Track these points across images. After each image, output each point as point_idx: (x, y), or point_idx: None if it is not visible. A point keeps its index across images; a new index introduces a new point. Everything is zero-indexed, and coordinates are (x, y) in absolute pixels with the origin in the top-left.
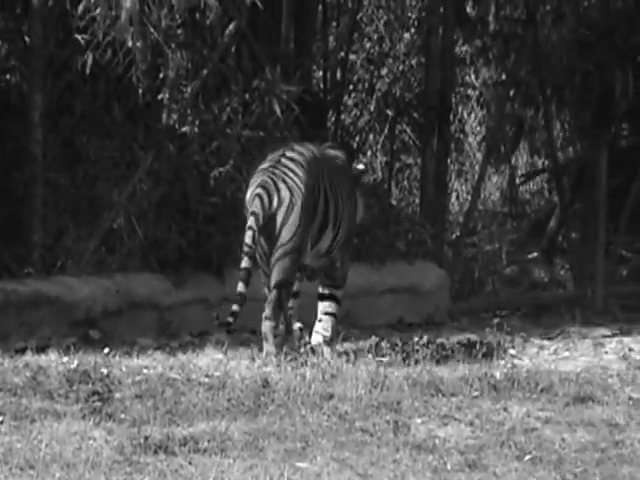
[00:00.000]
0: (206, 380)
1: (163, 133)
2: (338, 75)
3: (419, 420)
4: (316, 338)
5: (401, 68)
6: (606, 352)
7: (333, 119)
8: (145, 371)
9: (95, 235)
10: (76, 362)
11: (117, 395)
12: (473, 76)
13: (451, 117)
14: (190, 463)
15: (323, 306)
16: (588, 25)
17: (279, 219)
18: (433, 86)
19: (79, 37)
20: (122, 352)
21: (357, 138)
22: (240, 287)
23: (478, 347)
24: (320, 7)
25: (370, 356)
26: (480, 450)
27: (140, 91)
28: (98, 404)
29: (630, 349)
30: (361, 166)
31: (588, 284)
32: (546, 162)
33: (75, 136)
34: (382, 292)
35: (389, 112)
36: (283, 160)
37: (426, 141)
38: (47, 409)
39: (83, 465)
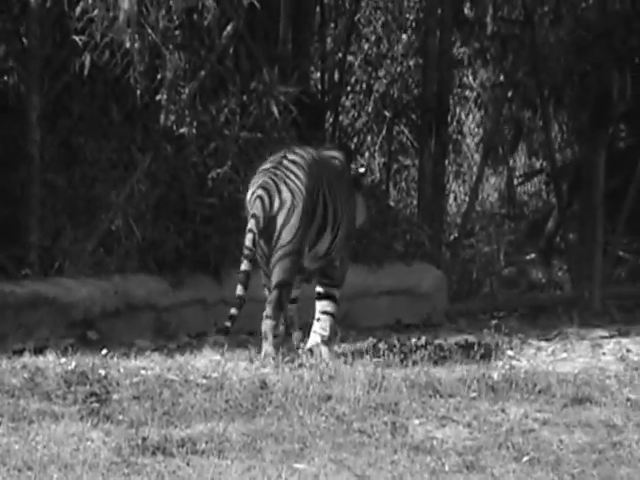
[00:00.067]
0: (204, 381)
1: (161, 134)
2: (336, 76)
3: (417, 421)
4: (314, 338)
5: (399, 69)
6: (604, 353)
7: (331, 120)
8: (143, 372)
9: (93, 236)
10: (74, 363)
11: (115, 396)
12: (471, 77)
13: (449, 118)
14: (188, 464)
15: (321, 305)
16: (586, 26)
17: (280, 220)
18: (431, 87)
19: (77, 38)
20: (120, 353)
21: (355, 139)
22: (239, 290)
23: (476, 348)
24: (318, 8)
25: (368, 357)
26: (478, 451)
27: (138, 92)
28: (96, 405)
29: (628, 350)
30: (362, 169)
31: (586, 285)
32: (544, 163)
33: (73, 137)
34: (380, 293)
35: (387, 113)
36: (285, 162)
37: (424, 142)
38: (45, 410)
39: (81, 466)
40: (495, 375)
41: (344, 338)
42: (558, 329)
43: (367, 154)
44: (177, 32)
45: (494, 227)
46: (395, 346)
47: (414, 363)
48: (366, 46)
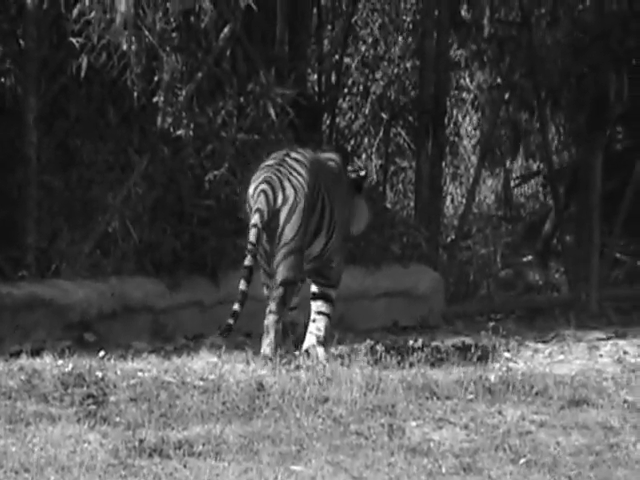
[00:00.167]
0: (201, 383)
1: (158, 136)
2: (333, 78)
3: (414, 423)
4: (310, 339)
5: (396, 71)
6: (601, 355)
7: (328, 122)
8: (140, 374)
9: (90, 238)
10: (71, 365)
11: (112, 398)
12: (468, 79)
13: (446, 120)
14: (185, 466)
15: (316, 305)
16: (583, 28)
17: (282, 217)
18: (428, 89)
19: (74, 40)
20: (117, 355)
21: (352, 141)
22: (242, 285)
23: (473, 350)
24: (315, 10)
25: (365, 359)
26: (475, 453)
27: (135, 94)
28: (93, 407)
29: (625, 352)
30: (362, 172)
31: (583, 287)
32: (541, 165)
33: (70, 139)
34: (377, 295)
35: (384, 115)
36: (287, 159)
37: (421, 144)
38: (42, 412)
39: (78, 468)
40: (492, 377)
41: (341, 340)
42: (555, 331)
43: (364, 156)
44: (174, 34)
45: (491, 229)
46: (392, 348)
47: (411, 365)
48: (363, 48)
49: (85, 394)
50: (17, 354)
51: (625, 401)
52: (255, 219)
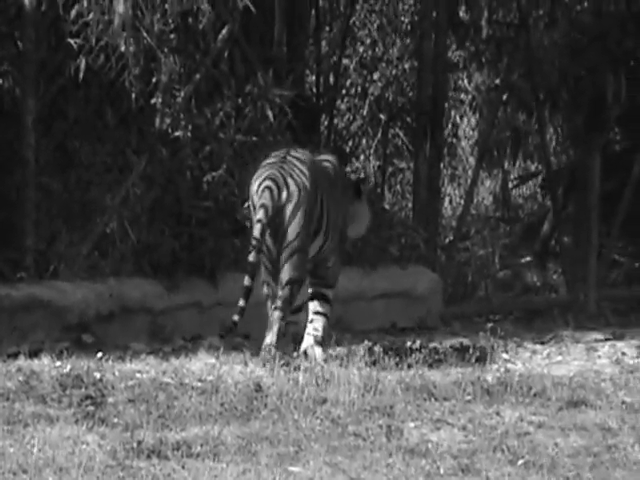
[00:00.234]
0: (199, 384)
1: (156, 137)
2: (331, 79)
3: (412, 424)
4: (308, 340)
5: (394, 73)
6: (599, 356)
7: (326, 123)
8: (138, 375)
9: (88, 239)
10: (69, 366)
11: (110, 399)
12: (466, 80)
13: (444, 122)
14: (183, 467)
15: (313, 305)
16: (580, 29)
17: (286, 215)
18: (426, 91)
19: (72, 42)
20: (115, 356)
21: (350, 142)
22: (246, 281)
23: (471, 351)
24: (313, 11)
25: (363, 361)
26: (473, 454)
27: (133, 96)
28: (91, 408)
29: (623, 353)
30: (362, 174)
31: (581, 288)
32: (539, 166)
33: (68, 140)
34: (375, 297)
35: (382, 116)
36: (289, 158)
37: (419, 145)
38: (40, 413)
39: (76, 470)
40: (490, 378)
41: (339, 341)
42: (553, 332)
43: (362, 157)
44: (172, 35)
45: (489, 230)
46: (390, 349)
47: (409, 366)
48: (361, 49)
49: (83, 395)
50: (15, 355)
51: (623, 402)
52: (260, 214)
